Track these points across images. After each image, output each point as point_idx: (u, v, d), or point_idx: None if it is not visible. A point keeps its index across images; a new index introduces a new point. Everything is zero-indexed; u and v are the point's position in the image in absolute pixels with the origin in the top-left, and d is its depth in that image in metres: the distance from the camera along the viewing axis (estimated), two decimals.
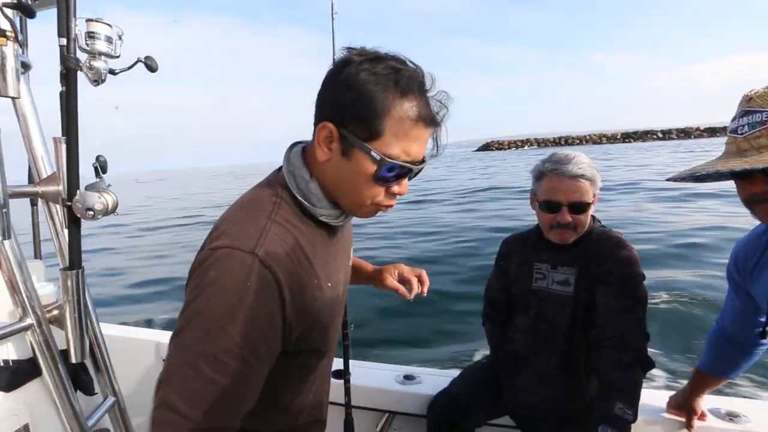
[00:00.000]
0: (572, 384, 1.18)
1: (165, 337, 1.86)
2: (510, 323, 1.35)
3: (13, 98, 0.95)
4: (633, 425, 0.95)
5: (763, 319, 1.04)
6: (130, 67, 1.14)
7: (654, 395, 1.35)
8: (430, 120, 0.62)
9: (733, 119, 0.81)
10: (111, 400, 1.15)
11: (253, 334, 0.56)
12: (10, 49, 0.89)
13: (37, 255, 1.16)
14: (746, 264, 1.01)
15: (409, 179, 0.67)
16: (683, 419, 1.22)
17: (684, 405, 1.24)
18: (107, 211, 0.99)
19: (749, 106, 0.78)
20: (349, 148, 0.60)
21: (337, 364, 1.63)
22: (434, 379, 1.52)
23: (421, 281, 0.93)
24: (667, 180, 0.97)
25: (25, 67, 1.02)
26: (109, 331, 1.84)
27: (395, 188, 0.65)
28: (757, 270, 0.97)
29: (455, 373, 1.48)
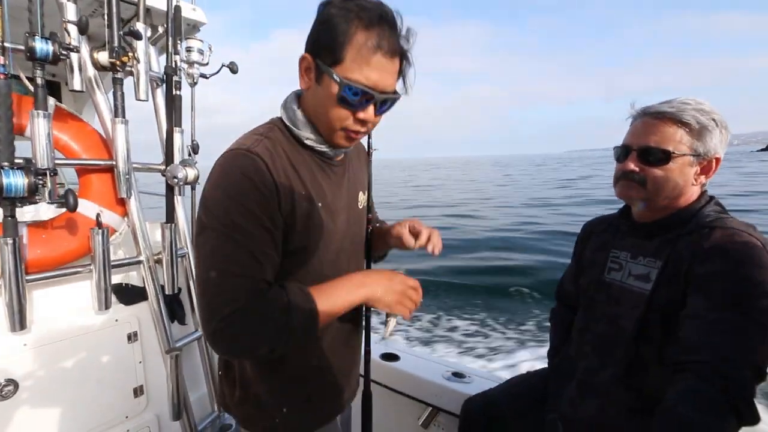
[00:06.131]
0: (630, 406, 0.88)
1: None
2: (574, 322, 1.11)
3: (145, 101, 1.34)
4: None
5: None
6: (216, 72, 1.47)
7: None
8: (390, 50, 0.66)
9: None
10: (199, 333, 1.47)
11: (258, 206, 0.64)
12: (142, 65, 1.28)
13: (169, 219, 1.54)
14: None
15: (380, 111, 0.71)
16: None
17: None
18: (187, 181, 1.30)
19: None
20: (321, 75, 0.68)
21: (388, 347, 1.64)
22: (485, 383, 1.37)
23: (432, 240, 0.85)
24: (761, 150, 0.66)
25: (160, 81, 1.43)
26: None
27: (361, 114, 0.69)
28: None
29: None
